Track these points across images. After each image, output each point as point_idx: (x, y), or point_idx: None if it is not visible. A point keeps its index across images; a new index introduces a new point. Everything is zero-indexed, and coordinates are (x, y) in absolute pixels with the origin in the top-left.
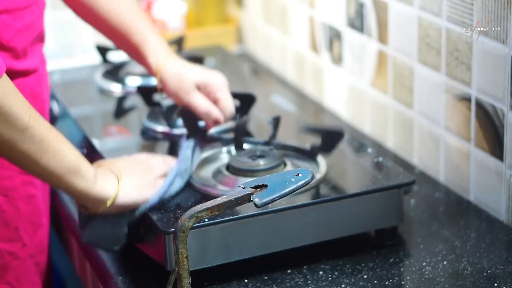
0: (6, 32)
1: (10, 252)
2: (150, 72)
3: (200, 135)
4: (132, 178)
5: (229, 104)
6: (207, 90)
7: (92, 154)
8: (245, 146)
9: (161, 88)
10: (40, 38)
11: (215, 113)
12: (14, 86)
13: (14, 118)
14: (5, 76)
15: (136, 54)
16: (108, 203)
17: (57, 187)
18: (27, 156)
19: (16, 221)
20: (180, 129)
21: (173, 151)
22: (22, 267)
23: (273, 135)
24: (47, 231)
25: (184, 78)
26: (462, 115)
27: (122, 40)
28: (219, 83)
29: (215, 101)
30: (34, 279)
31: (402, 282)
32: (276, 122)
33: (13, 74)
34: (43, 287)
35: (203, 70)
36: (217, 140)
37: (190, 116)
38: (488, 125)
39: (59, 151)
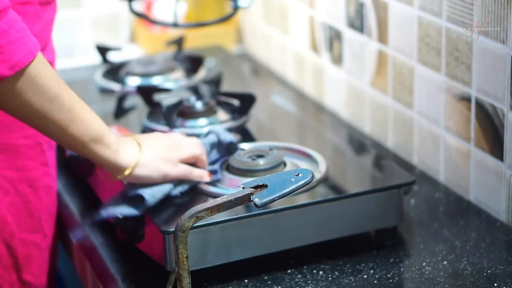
0: (37, 23)
1: (34, 242)
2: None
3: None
4: (154, 151)
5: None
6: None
7: None
8: (247, 146)
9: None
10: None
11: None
12: (44, 58)
13: (45, 88)
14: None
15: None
16: (126, 172)
17: (81, 154)
18: (56, 124)
19: (39, 212)
20: (180, 129)
21: None
22: (44, 258)
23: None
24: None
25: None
26: (462, 115)
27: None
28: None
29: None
30: (51, 270)
31: (402, 282)
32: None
33: None
34: (54, 279)
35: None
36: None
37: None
38: (488, 125)
39: (86, 120)
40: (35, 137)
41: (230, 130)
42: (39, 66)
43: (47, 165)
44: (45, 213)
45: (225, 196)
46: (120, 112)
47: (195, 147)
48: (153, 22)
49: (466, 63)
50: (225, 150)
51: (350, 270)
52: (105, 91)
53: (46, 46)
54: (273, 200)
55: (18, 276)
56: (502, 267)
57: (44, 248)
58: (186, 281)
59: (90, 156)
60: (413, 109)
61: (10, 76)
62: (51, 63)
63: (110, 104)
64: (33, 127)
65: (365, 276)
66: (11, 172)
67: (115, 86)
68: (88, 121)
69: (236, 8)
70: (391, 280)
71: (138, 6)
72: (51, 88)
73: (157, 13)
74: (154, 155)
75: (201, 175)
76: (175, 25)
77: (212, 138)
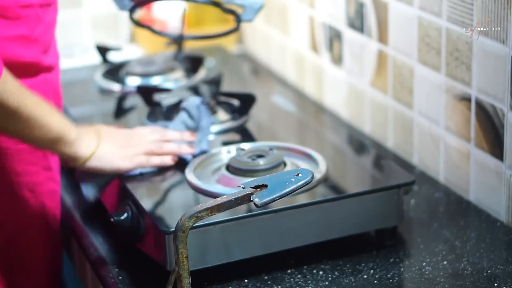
0: (38, 26)
1: (35, 247)
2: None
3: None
4: (111, 147)
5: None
6: None
7: None
8: (247, 146)
9: None
10: (54, 33)
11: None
12: (5, 76)
13: (4, 107)
14: None
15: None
16: (80, 163)
17: (43, 150)
18: (17, 133)
19: (41, 217)
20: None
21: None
22: (46, 263)
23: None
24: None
25: None
26: (462, 115)
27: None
28: None
29: None
30: (55, 274)
31: (402, 282)
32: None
33: (40, 69)
34: (59, 283)
35: None
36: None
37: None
38: (488, 125)
39: (44, 125)
40: None
41: (230, 130)
42: None
43: (50, 169)
44: (49, 218)
45: (225, 196)
46: (120, 112)
47: (155, 144)
48: (157, 33)
49: (466, 63)
50: (199, 115)
51: (350, 270)
52: (105, 91)
53: (48, 48)
54: (273, 200)
55: (17, 280)
56: (502, 267)
57: (47, 252)
58: (186, 281)
59: (53, 152)
60: (413, 109)
61: None
62: (55, 66)
63: (110, 104)
64: None
65: (365, 276)
66: (10, 177)
67: (115, 86)
68: (47, 126)
69: (239, 22)
70: (391, 280)
71: (138, 12)
72: (9, 104)
73: (157, 13)
74: (111, 150)
75: (161, 162)
76: (180, 37)
77: (181, 116)
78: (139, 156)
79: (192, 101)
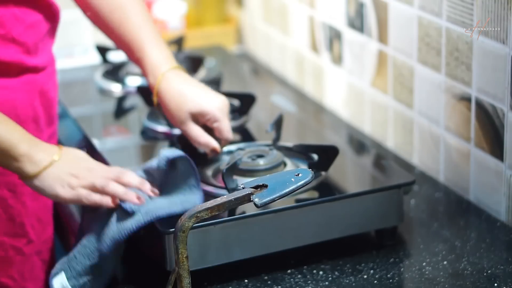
0: (16, 26)
1: (14, 246)
2: (151, 89)
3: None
4: (60, 171)
5: (226, 132)
6: (204, 119)
7: (92, 154)
8: (248, 147)
9: (158, 106)
10: (50, 35)
11: (212, 144)
12: None
13: None
14: None
15: (141, 69)
16: (26, 180)
17: None
18: None
19: (23, 217)
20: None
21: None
22: (27, 263)
23: (277, 138)
24: (53, 228)
25: (180, 107)
26: (462, 115)
27: (126, 52)
28: (216, 112)
29: (212, 128)
30: (39, 275)
31: (402, 282)
32: (278, 125)
33: (23, 70)
34: (43, 285)
35: (201, 94)
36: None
37: (188, 142)
38: (488, 125)
39: None
40: None
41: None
42: None
43: None
44: (31, 219)
45: (225, 196)
46: (120, 112)
47: (99, 178)
48: None
49: (466, 63)
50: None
51: (350, 270)
52: (105, 91)
53: (34, 49)
54: (273, 200)
55: (3, 281)
56: (502, 267)
57: (28, 254)
58: (186, 281)
59: (3, 167)
60: (413, 109)
61: None
62: (44, 67)
63: (110, 104)
64: None
65: (365, 276)
66: None
67: (115, 86)
68: None
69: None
70: (391, 280)
71: None
72: None
73: (157, 13)
74: (56, 175)
75: (100, 201)
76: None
77: (153, 163)
78: (81, 188)
79: (163, 158)
